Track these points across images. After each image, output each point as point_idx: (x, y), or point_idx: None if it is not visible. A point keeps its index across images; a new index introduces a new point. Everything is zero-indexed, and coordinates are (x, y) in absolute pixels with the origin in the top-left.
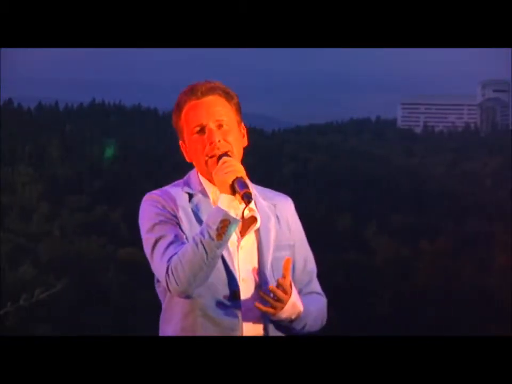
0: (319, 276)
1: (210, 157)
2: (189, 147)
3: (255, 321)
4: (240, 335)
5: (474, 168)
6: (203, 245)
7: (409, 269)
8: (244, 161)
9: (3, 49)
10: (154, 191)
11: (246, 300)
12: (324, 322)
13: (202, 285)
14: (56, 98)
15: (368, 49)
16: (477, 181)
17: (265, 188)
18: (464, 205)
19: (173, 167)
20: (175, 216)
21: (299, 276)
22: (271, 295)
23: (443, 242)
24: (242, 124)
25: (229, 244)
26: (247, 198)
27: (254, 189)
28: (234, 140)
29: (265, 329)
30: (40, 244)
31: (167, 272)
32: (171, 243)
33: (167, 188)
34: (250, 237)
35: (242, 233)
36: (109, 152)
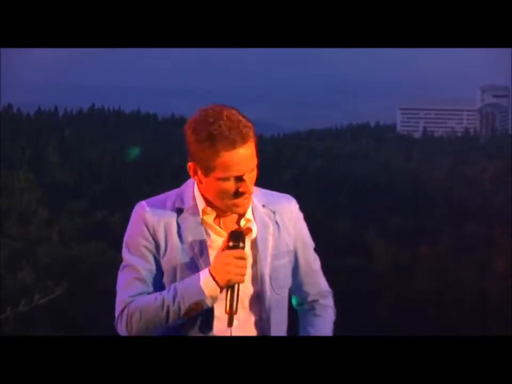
0: None
1: (234, 199)
2: (213, 183)
3: (248, 331)
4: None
5: (473, 173)
6: (168, 311)
7: (409, 273)
8: None
9: (3, 54)
10: (144, 203)
11: (241, 310)
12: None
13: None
14: (56, 103)
15: (368, 53)
16: (476, 186)
17: (267, 191)
18: (463, 210)
19: (172, 172)
20: (153, 238)
21: (304, 277)
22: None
23: (442, 246)
24: None
25: None
26: (230, 320)
27: (254, 196)
28: (255, 177)
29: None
30: (39, 249)
31: (121, 312)
32: (137, 278)
33: (160, 198)
34: (247, 248)
35: None
36: (133, 152)
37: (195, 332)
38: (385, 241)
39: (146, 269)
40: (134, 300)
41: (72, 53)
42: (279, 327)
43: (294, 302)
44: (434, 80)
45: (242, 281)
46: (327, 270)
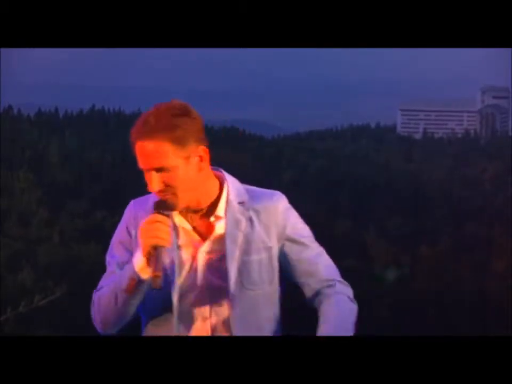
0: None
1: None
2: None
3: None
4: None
5: (473, 174)
6: (116, 294)
7: (408, 274)
8: (244, 167)
9: (3, 55)
10: (132, 201)
11: (192, 303)
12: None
13: (121, 325)
14: (56, 104)
15: (368, 54)
16: (476, 186)
17: (254, 188)
18: (463, 211)
19: None
20: (129, 234)
21: (298, 270)
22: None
23: (442, 247)
24: (200, 148)
25: (186, 252)
26: (154, 282)
27: (232, 192)
28: (180, 179)
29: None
30: (39, 249)
31: (92, 304)
32: (110, 273)
33: (147, 196)
34: (215, 243)
35: (204, 238)
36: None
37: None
38: (385, 241)
39: (118, 262)
40: (99, 291)
41: (73, 53)
42: (258, 323)
43: (304, 295)
44: (435, 81)
45: (161, 244)
46: None
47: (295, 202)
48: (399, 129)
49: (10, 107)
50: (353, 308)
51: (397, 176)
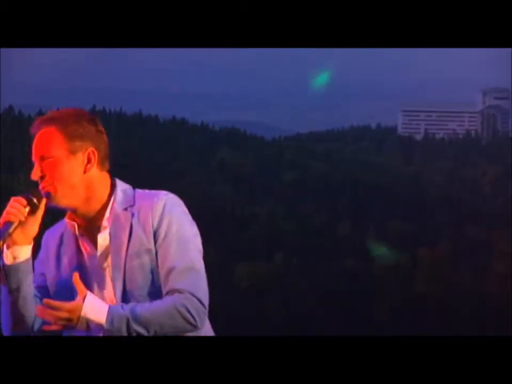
0: (320, 282)
1: None
2: None
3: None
4: None
5: (474, 175)
6: (1, 289)
7: (408, 276)
8: (244, 168)
9: (4, 56)
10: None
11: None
12: (192, 322)
13: (21, 325)
14: (57, 105)
15: (369, 56)
16: (477, 189)
17: (145, 192)
18: (463, 212)
19: (173, 174)
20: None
21: (161, 275)
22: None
23: (442, 249)
24: (90, 149)
25: (80, 261)
26: None
27: (118, 199)
28: (61, 171)
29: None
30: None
31: None
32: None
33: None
34: (102, 253)
35: (92, 246)
36: (322, 79)
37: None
38: (386, 243)
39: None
40: None
41: (74, 55)
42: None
43: None
44: (436, 82)
45: (11, 219)
46: (328, 271)
47: (295, 204)
48: (400, 130)
49: (11, 107)
50: (175, 316)
51: (398, 178)
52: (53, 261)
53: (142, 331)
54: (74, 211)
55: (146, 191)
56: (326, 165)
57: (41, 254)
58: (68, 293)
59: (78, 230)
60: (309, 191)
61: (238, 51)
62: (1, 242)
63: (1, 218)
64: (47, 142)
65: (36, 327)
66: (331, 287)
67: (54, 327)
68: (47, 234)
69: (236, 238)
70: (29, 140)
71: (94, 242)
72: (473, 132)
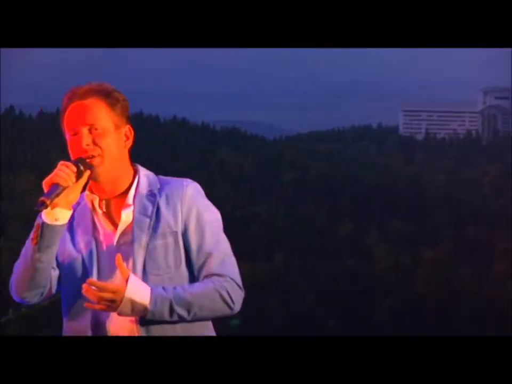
0: (320, 282)
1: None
2: (69, 150)
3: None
4: (106, 335)
5: (474, 175)
6: (26, 248)
7: (409, 276)
8: (245, 169)
9: (4, 55)
10: None
11: None
12: (231, 305)
13: (33, 289)
14: (58, 105)
15: (369, 56)
16: (477, 189)
17: (167, 178)
18: (463, 212)
19: (174, 174)
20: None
21: (195, 259)
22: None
23: (443, 249)
24: (127, 127)
25: (99, 238)
26: (39, 205)
27: (142, 182)
28: (108, 144)
29: (137, 325)
30: None
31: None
32: None
33: None
34: (124, 230)
35: (113, 224)
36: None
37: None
38: (387, 243)
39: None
40: None
41: (74, 55)
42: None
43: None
44: (436, 82)
45: (62, 182)
46: (328, 271)
47: (296, 204)
48: (401, 130)
49: (11, 107)
50: (216, 299)
51: (398, 177)
52: (65, 232)
53: (183, 313)
54: (101, 186)
55: (168, 177)
56: (327, 165)
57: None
58: (79, 267)
59: (99, 205)
60: (309, 191)
61: (238, 51)
62: (49, 201)
63: (49, 178)
64: (97, 113)
65: (43, 297)
66: (331, 287)
67: (97, 307)
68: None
69: (236, 238)
70: (29, 140)
71: (113, 220)
72: (473, 132)
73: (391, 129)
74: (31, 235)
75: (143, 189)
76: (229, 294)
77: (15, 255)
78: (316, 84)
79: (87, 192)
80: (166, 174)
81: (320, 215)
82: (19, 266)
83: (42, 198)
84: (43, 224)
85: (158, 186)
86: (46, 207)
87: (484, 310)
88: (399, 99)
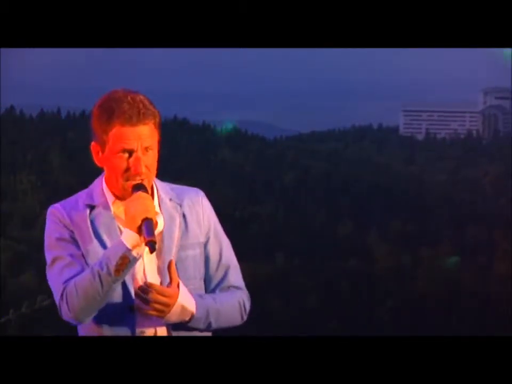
0: (320, 282)
1: (126, 181)
2: (108, 160)
3: (155, 327)
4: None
5: (475, 175)
6: (100, 277)
7: (410, 276)
8: (245, 169)
9: (4, 55)
10: (55, 204)
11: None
12: (244, 317)
13: (95, 313)
14: (59, 105)
15: (370, 56)
16: (478, 189)
17: (175, 186)
18: (464, 212)
19: (174, 174)
20: (73, 232)
21: (213, 271)
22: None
23: (443, 249)
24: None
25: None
26: (151, 247)
27: (160, 189)
28: (154, 162)
29: (168, 332)
30: (43, 251)
31: (61, 296)
32: (67, 265)
33: (71, 198)
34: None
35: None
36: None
37: (120, 305)
38: (387, 243)
39: (70, 254)
40: (70, 281)
41: (74, 55)
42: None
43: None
44: (437, 82)
45: (151, 215)
46: (328, 271)
47: (296, 204)
48: (401, 130)
49: (12, 108)
50: (236, 311)
51: (399, 178)
52: (89, 235)
53: (212, 321)
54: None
55: (173, 184)
56: (327, 165)
57: (68, 229)
58: None
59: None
60: (310, 191)
61: (238, 51)
62: (156, 239)
63: (139, 214)
64: (153, 137)
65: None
66: (331, 287)
67: (147, 309)
68: (63, 209)
69: (236, 238)
70: (29, 140)
71: None
72: (474, 132)
73: (392, 129)
74: (112, 268)
75: (164, 197)
76: (245, 306)
77: (15, 255)
78: (316, 84)
79: (114, 200)
80: (166, 174)
81: (321, 215)
82: (85, 295)
83: (150, 239)
84: (133, 258)
85: (174, 194)
86: (155, 244)
87: (483, 310)
88: (399, 99)
